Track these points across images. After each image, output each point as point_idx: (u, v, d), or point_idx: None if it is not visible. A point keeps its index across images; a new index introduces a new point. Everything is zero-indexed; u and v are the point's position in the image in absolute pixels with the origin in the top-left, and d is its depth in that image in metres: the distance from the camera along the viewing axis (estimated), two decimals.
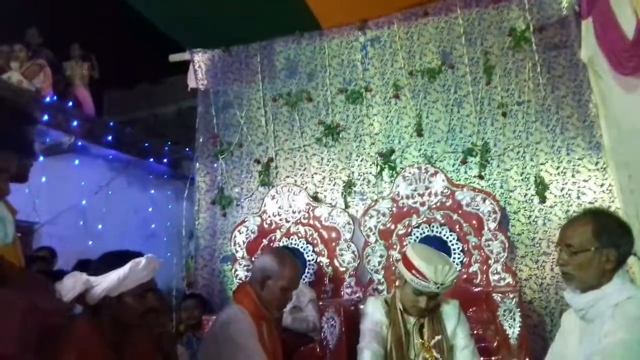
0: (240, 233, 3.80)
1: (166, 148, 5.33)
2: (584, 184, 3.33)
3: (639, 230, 2.51)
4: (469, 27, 3.69)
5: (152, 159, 5.17)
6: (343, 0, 3.69)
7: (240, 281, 3.63)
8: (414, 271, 2.07)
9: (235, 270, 3.77)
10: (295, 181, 3.93)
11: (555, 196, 3.37)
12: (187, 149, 4.98)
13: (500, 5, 3.65)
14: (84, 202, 4.30)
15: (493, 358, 2.81)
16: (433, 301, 2.13)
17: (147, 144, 5.04)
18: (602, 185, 3.30)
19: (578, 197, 3.32)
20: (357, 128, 3.87)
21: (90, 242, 4.18)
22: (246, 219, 3.84)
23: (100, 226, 4.39)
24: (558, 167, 3.40)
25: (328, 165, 3.90)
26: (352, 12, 3.85)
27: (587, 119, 3.39)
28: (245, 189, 4.08)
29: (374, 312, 2.27)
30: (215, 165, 4.16)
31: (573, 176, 3.36)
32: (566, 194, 3.35)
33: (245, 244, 3.78)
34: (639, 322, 1.47)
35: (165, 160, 5.36)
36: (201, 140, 4.24)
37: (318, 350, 3.19)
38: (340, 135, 3.87)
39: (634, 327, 1.47)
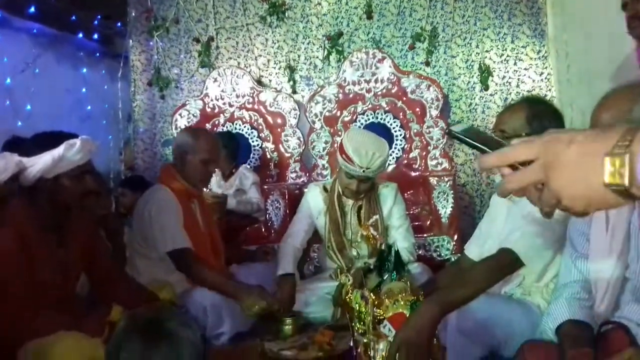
0: (181, 117, 3.69)
1: (96, 22, 4.88)
2: (524, 72, 3.41)
3: (571, 118, 2.64)
4: None
5: (81, 35, 4.74)
6: None
7: None
8: (344, 155, 2.15)
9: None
10: (239, 63, 3.77)
11: (496, 84, 3.45)
12: (119, 24, 4.57)
13: None
14: (8, 80, 3.96)
15: (425, 235, 3.05)
16: (365, 184, 2.24)
17: (74, 17, 4.58)
18: (541, 74, 3.38)
19: (517, 86, 3.41)
20: (304, 7, 3.66)
21: (20, 123, 3.92)
22: (187, 102, 3.70)
23: (29, 107, 4.11)
24: (502, 55, 3.43)
25: (273, 47, 3.74)
26: None
27: (535, 6, 3.37)
28: (185, 70, 3.88)
29: (312, 199, 2.39)
30: (151, 43, 3.88)
31: (515, 64, 3.42)
32: (507, 82, 3.43)
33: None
34: None
35: (95, 36, 4.93)
36: (133, 14, 3.89)
37: (263, 230, 3.32)
38: (286, 15, 3.66)
39: None
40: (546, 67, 3.36)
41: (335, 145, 3.47)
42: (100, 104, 4.81)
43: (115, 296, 1.75)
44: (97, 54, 5.15)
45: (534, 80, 3.39)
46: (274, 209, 3.33)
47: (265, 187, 3.35)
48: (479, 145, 0.60)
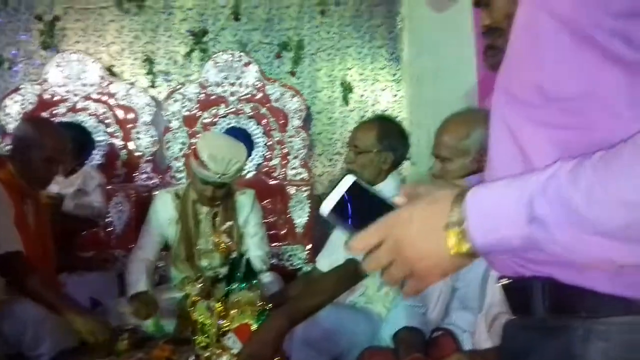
0: (14, 102, 3.21)
1: None
2: (381, 92, 3.60)
3: (418, 138, 2.83)
4: None
5: None
6: None
7: None
8: (198, 160, 2.04)
9: (7, 145, 3.21)
10: (87, 49, 3.40)
11: (355, 101, 3.58)
12: None
13: None
14: None
15: (280, 243, 3.03)
16: (221, 191, 2.14)
17: None
18: (395, 95, 3.61)
19: (373, 105, 3.59)
20: None
21: None
22: (22, 87, 3.24)
23: None
24: (362, 74, 3.59)
25: (129, 35, 3.44)
26: None
27: (394, 32, 3.59)
28: (23, 50, 3.39)
29: (161, 207, 2.24)
30: None
31: (373, 84, 3.60)
32: (365, 100, 3.59)
33: (20, 116, 3.21)
34: None
35: None
36: None
37: (103, 235, 3.01)
38: (146, 4, 3.40)
39: None
40: (400, 90, 3.60)
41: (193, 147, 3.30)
42: None
43: None
44: None
45: (388, 101, 3.60)
46: (117, 212, 3.04)
47: (110, 187, 3.05)
48: (352, 228, 0.59)
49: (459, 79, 3.00)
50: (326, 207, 0.60)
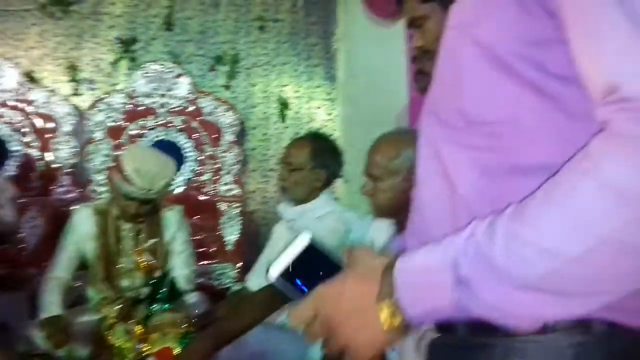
0: None
1: None
2: (315, 110, 3.62)
3: (351, 156, 2.85)
4: None
5: None
6: None
7: None
8: (122, 174, 1.93)
9: None
10: (5, 53, 3.16)
11: (290, 118, 3.57)
12: None
13: None
14: None
15: (209, 262, 2.92)
16: (146, 207, 2.04)
17: None
18: (330, 114, 3.64)
19: (308, 122, 3.60)
20: (95, 4, 3.27)
21: None
22: None
23: None
24: (297, 91, 3.59)
25: (52, 40, 3.23)
26: None
27: (330, 52, 3.63)
28: None
29: (80, 223, 2.10)
30: None
31: (308, 102, 3.61)
32: (300, 117, 3.59)
33: None
34: (333, 233, 1.71)
35: None
36: None
37: (13, 252, 2.77)
38: (72, 8, 3.23)
39: (328, 236, 1.68)
40: (334, 109, 3.63)
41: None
42: None
43: None
44: None
45: (323, 119, 3.63)
46: (31, 227, 2.82)
47: (23, 200, 2.82)
48: (299, 293, 0.58)
49: (391, 100, 3.08)
50: (274, 272, 0.58)
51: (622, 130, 0.45)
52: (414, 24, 1.21)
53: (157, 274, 1.83)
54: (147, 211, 2.06)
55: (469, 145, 0.56)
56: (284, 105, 3.52)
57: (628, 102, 0.45)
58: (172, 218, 2.19)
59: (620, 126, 0.45)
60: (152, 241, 1.95)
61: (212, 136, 3.27)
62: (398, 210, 1.29)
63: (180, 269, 2.14)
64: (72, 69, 3.22)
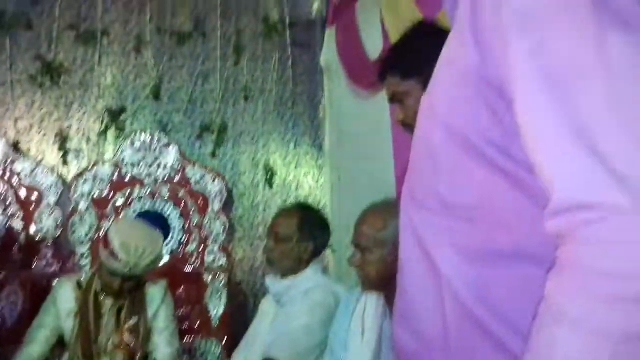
0: None
1: None
2: (303, 178, 3.62)
3: (339, 223, 2.82)
4: (226, 0, 3.58)
5: None
6: None
7: None
8: (108, 249, 1.87)
9: None
10: None
11: (278, 185, 3.57)
12: None
13: None
14: None
15: (193, 337, 2.79)
16: (130, 283, 1.96)
17: None
18: (317, 181, 3.65)
19: (296, 189, 3.59)
20: (85, 74, 3.32)
21: None
22: None
23: None
24: (285, 158, 3.61)
25: (40, 110, 3.24)
26: None
27: (316, 119, 3.69)
28: None
29: (61, 296, 2.02)
30: None
31: (296, 169, 3.62)
32: (288, 184, 3.59)
33: None
34: (321, 307, 1.64)
35: None
36: None
37: None
38: (62, 79, 3.27)
39: (316, 311, 1.63)
40: (322, 176, 3.64)
41: (102, 231, 3.06)
42: None
43: None
44: None
45: (310, 186, 3.62)
46: (9, 303, 2.69)
47: (2, 274, 2.72)
48: None
49: (377, 168, 3.09)
50: None
51: (570, 261, 0.44)
52: (394, 99, 1.24)
53: (138, 355, 1.73)
54: (130, 287, 1.98)
55: (446, 228, 0.56)
56: (270, 172, 3.52)
57: (572, 217, 0.44)
58: (155, 293, 2.11)
59: (569, 255, 0.44)
60: (133, 320, 1.86)
61: (199, 205, 3.24)
62: (387, 282, 1.25)
63: (164, 347, 2.04)
64: (60, 139, 3.22)
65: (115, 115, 3.30)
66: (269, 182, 3.52)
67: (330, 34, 3.53)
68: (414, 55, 1.11)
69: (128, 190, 3.17)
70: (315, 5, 3.74)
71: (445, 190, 0.57)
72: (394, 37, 2.57)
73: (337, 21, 3.40)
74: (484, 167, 0.54)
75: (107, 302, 2.01)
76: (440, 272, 0.56)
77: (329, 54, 3.56)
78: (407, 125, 0.86)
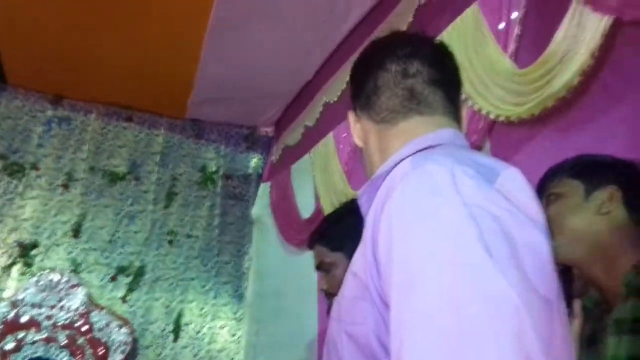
0: None
1: None
2: (219, 330, 3.45)
3: None
4: (166, 148, 3.69)
5: None
6: (42, 66, 3.26)
7: None
8: None
9: None
10: None
11: (190, 337, 3.37)
12: None
13: (201, 143, 3.81)
14: None
15: None
16: None
17: None
18: (234, 335, 3.47)
19: (209, 343, 3.40)
20: (3, 205, 3.21)
21: None
22: None
23: None
24: (202, 308, 3.46)
25: None
26: (48, 83, 3.42)
27: (240, 270, 3.64)
28: None
29: None
30: None
31: (212, 320, 3.46)
32: (201, 336, 3.39)
33: None
34: None
35: None
36: None
37: None
38: None
39: None
40: (240, 329, 3.49)
41: None
42: None
43: None
44: None
45: (225, 340, 3.44)
46: None
47: None
48: None
49: (299, 325, 3.01)
50: None
51: None
52: (321, 267, 1.31)
53: None
54: None
55: None
56: (182, 322, 3.34)
57: None
58: None
59: None
60: None
61: (98, 354, 2.97)
62: None
63: None
64: None
65: (25, 250, 3.13)
66: (176, 333, 3.32)
67: (264, 188, 3.66)
68: (344, 231, 1.20)
69: (22, 334, 2.89)
70: (254, 162, 3.92)
71: None
72: (325, 202, 2.70)
73: (273, 179, 3.55)
74: None
75: None
76: None
77: (261, 207, 3.64)
78: (330, 294, 0.92)
